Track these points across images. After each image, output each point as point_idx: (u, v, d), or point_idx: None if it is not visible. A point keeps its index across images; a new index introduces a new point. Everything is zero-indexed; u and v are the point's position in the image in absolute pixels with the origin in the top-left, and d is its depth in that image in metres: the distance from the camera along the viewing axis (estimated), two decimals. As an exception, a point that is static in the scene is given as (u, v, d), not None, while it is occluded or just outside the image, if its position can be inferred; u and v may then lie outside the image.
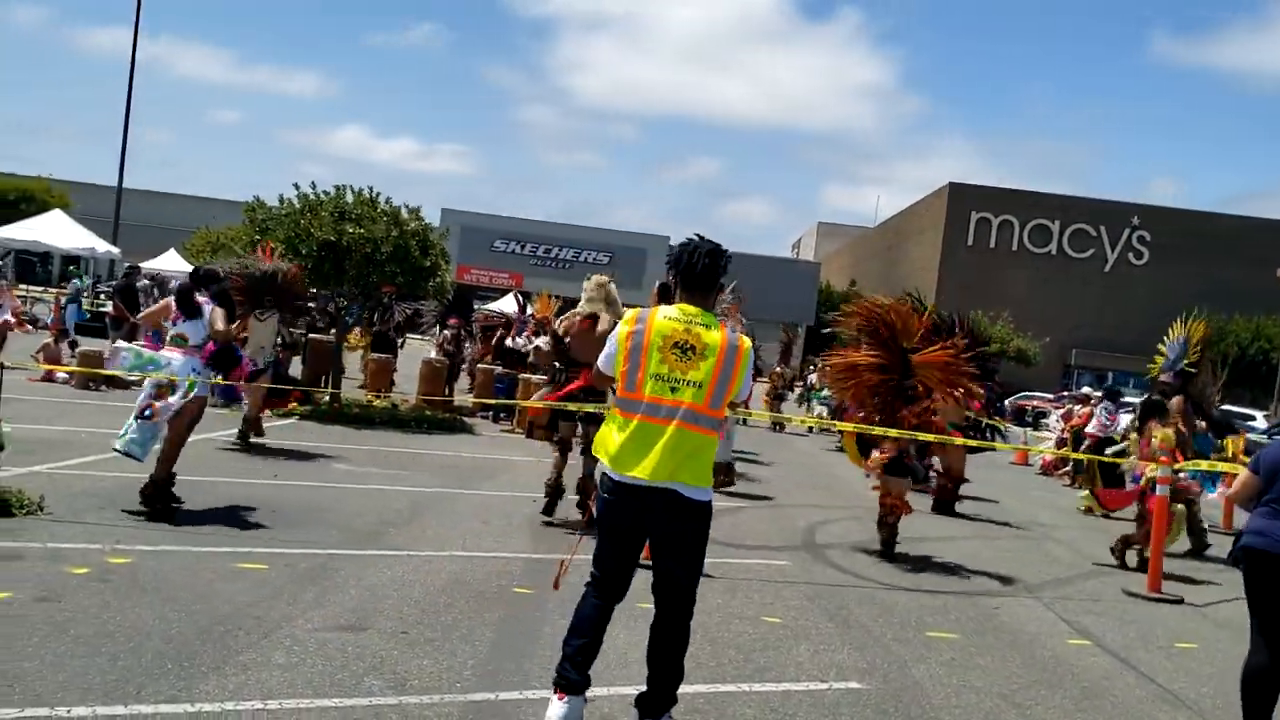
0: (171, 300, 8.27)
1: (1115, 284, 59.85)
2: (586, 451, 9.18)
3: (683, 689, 5.02)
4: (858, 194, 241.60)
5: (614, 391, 4.48)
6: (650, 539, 4.40)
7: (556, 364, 9.41)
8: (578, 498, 9.31)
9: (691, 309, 4.39)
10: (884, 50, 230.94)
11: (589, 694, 4.44)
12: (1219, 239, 59.35)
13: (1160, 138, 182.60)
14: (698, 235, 4.57)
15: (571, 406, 8.94)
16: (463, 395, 19.69)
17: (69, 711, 4.05)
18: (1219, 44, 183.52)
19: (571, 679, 4.30)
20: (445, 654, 5.26)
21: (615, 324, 9.07)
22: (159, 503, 7.70)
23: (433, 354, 19.50)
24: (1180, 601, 8.63)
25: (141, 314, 8.55)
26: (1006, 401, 36.48)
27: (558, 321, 9.59)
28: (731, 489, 12.15)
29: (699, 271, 4.42)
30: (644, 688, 4.47)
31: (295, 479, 9.87)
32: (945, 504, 12.92)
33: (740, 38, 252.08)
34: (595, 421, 9.02)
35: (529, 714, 4.56)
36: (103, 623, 5.13)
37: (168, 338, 8.18)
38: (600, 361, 4.59)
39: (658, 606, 4.42)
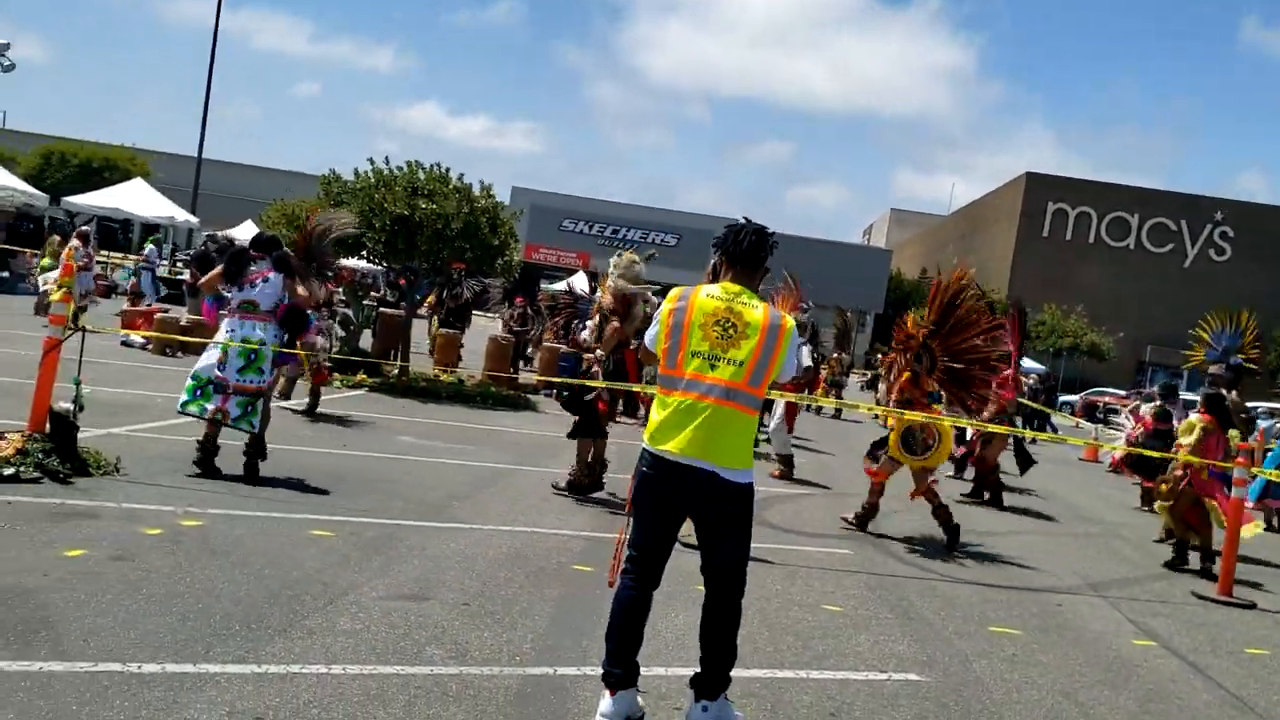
0: (218, 269, 8.29)
1: (1194, 280, 58.42)
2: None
3: (740, 673, 5.03)
4: (932, 181, 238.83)
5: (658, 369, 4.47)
6: (692, 520, 4.38)
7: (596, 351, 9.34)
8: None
9: (734, 287, 4.36)
10: (963, 35, 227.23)
11: (646, 673, 4.45)
12: (1306, 236, 57.71)
13: (1249, 131, 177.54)
14: (745, 218, 4.54)
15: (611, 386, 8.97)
16: (528, 373, 19.83)
17: (140, 668, 4.15)
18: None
19: (618, 674, 4.27)
20: (505, 627, 5.31)
21: (642, 304, 9.06)
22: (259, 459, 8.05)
23: (499, 331, 19.64)
24: (1252, 607, 8.42)
25: (202, 280, 8.64)
26: (1078, 397, 35.92)
27: (600, 300, 9.55)
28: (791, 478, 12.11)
29: (745, 249, 4.41)
30: (699, 668, 4.46)
31: (363, 450, 10.02)
32: (979, 492, 12.78)
33: (815, 20, 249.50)
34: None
35: (587, 690, 4.59)
36: (174, 583, 5.26)
37: (235, 304, 8.18)
38: (646, 339, 4.58)
39: (706, 588, 4.41)
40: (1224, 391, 10.74)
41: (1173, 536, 10.14)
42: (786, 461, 12.47)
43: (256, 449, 8.03)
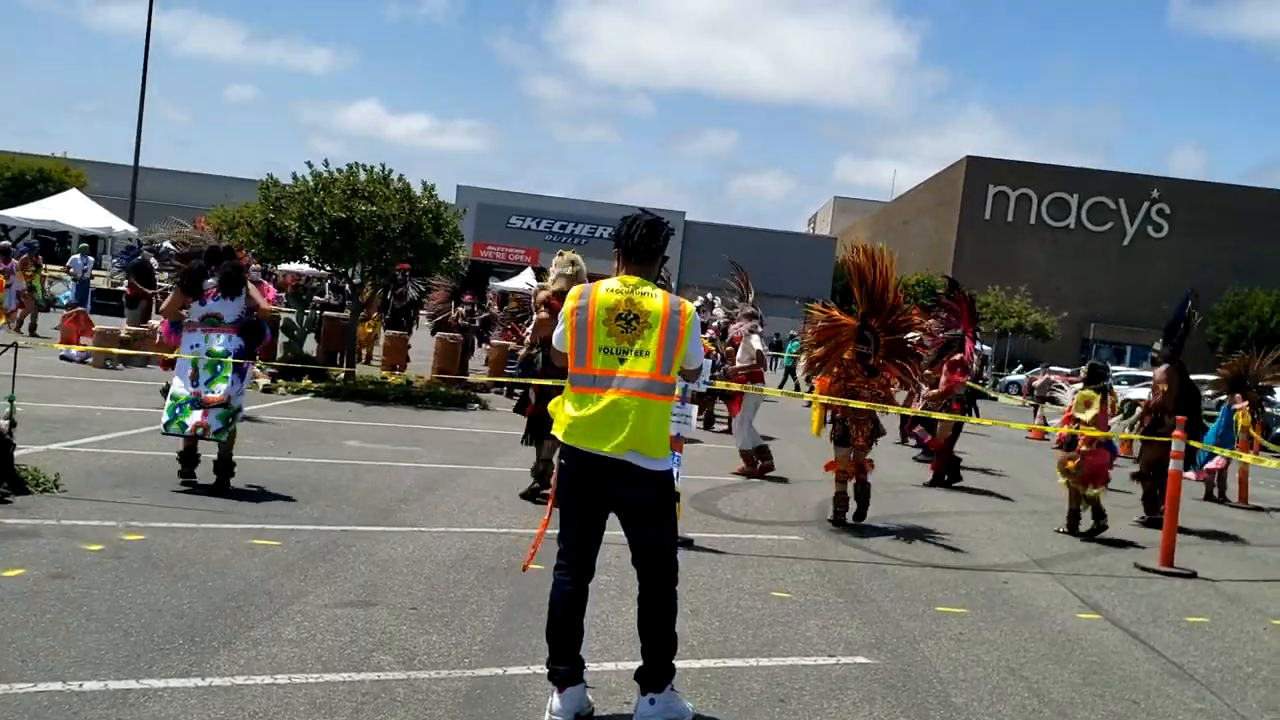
0: (177, 287, 8.25)
1: (1134, 257, 59.53)
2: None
3: (689, 663, 5.07)
4: (875, 168, 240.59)
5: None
6: (615, 511, 4.41)
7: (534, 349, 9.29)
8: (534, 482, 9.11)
9: (632, 279, 4.39)
10: (903, 22, 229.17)
11: (597, 669, 4.46)
12: (1241, 212, 58.97)
13: (1182, 109, 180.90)
14: (642, 210, 4.59)
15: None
16: (478, 372, 19.74)
17: (81, 686, 4.10)
18: (1241, 11, 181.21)
19: (563, 671, 4.29)
20: (454, 629, 5.30)
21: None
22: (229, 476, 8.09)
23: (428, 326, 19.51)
24: (1193, 576, 8.60)
25: (163, 307, 8.53)
26: (1025, 375, 36.42)
27: (535, 297, 9.53)
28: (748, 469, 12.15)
29: (636, 241, 4.44)
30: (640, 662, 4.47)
31: (309, 456, 9.93)
32: (936, 477, 12.98)
33: (755, 9, 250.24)
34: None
35: (536, 689, 4.59)
36: (116, 599, 5.19)
37: (198, 318, 8.15)
38: (554, 340, 4.61)
39: (639, 578, 4.44)
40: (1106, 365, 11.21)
41: (1077, 522, 10.25)
42: (750, 458, 12.20)
43: (225, 465, 8.06)
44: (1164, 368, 11.72)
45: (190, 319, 8.16)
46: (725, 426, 16.70)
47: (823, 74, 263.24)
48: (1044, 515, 11.26)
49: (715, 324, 16.55)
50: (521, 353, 9.33)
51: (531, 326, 9.39)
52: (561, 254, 9.20)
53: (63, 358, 15.79)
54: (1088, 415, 10.10)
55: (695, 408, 8.20)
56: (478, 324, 20.61)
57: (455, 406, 15.61)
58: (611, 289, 4.37)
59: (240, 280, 8.31)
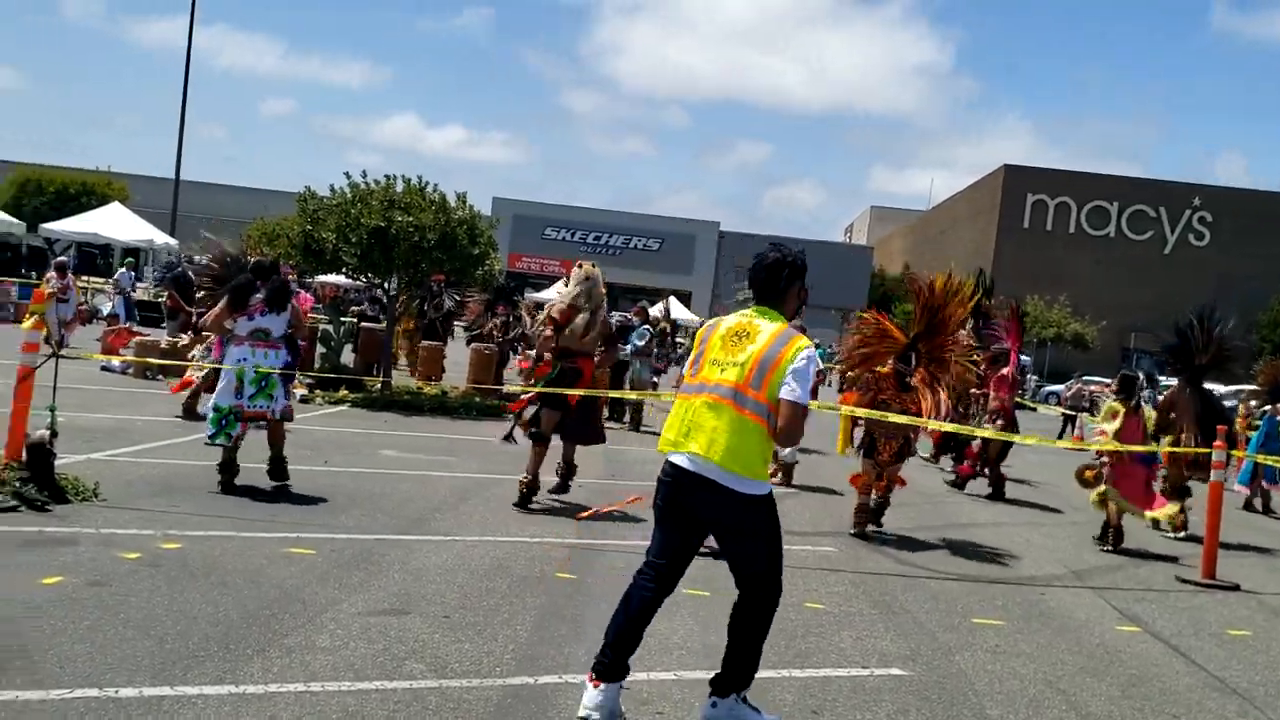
0: (224, 301, 8.36)
1: (1176, 266, 58.77)
2: (566, 437, 9.24)
3: (721, 674, 5.04)
4: (911, 177, 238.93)
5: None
6: (709, 528, 4.50)
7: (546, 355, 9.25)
8: (557, 480, 9.25)
9: (757, 310, 4.55)
10: (939, 30, 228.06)
11: (629, 679, 4.45)
12: (1284, 219, 58.07)
13: (1224, 116, 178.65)
14: (773, 247, 4.66)
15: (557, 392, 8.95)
16: (512, 381, 19.80)
17: (117, 692, 4.14)
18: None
19: (606, 664, 4.33)
20: (486, 638, 5.30)
21: (593, 316, 9.10)
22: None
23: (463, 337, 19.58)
24: (1235, 589, 8.47)
25: (207, 320, 8.61)
26: (1062, 386, 36.04)
27: (548, 310, 9.50)
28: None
29: (759, 283, 4.59)
30: (688, 673, 4.50)
31: (344, 465, 9.99)
32: (962, 480, 12.89)
33: (790, 19, 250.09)
34: (564, 408, 9.01)
35: (567, 698, 4.59)
36: (152, 606, 5.24)
37: (245, 332, 8.28)
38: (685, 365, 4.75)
39: (737, 589, 4.53)
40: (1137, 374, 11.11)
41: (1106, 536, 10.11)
42: (786, 470, 12.15)
43: (279, 470, 8.35)
44: (1171, 390, 11.73)
45: (237, 333, 8.29)
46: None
47: (857, 83, 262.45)
48: (1082, 526, 11.12)
49: None
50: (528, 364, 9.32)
51: (539, 340, 9.35)
52: (580, 265, 9.22)
53: (104, 368, 15.99)
54: (1111, 427, 9.95)
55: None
56: (511, 336, 20.69)
57: (490, 417, 15.65)
58: (741, 314, 4.57)
59: (286, 295, 8.50)
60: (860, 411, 9.36)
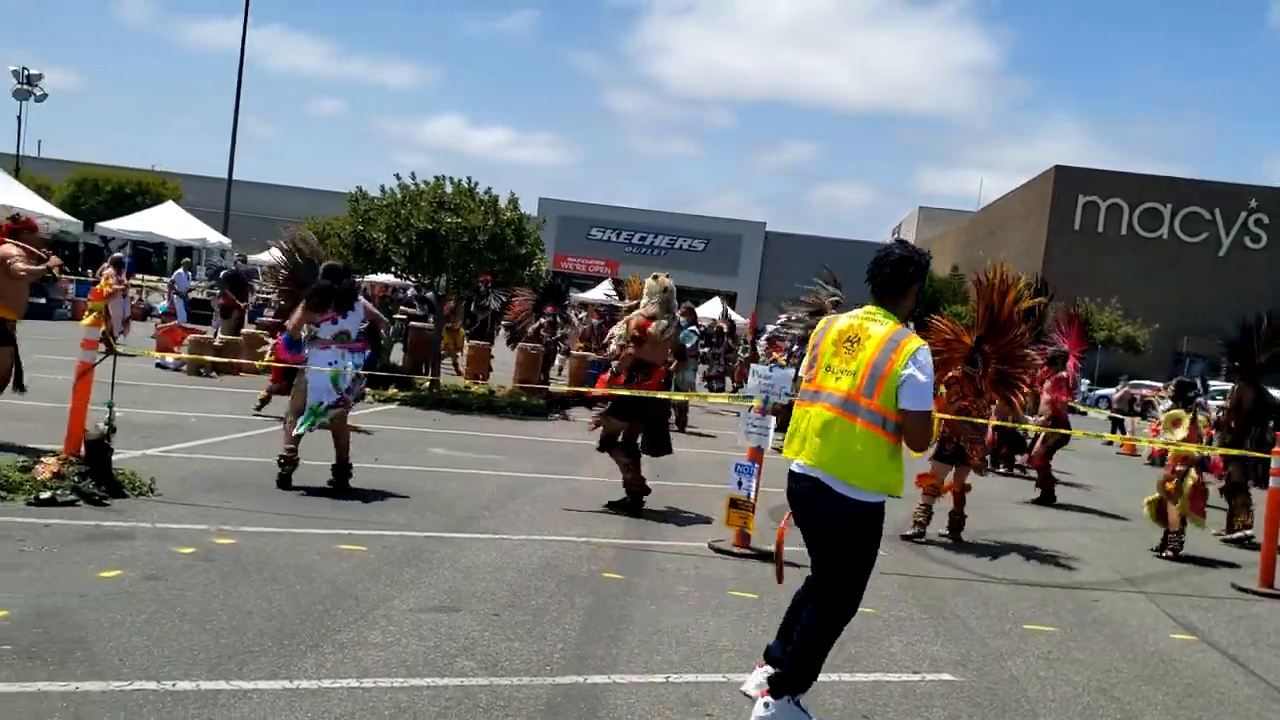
0: (305, 304, 8.52)
1: (1230, 268, 57.71)
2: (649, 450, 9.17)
3: (771, 677, 5.03)
4: (960, 177, 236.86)
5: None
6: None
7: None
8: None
9: (874, 309, 4.50)
10: (990, 29, 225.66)
11: (675, 679, 4.46)
12: (1344, 222, 56.89)
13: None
14: (897, 240, 4.68)
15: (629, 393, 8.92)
16: (558, 382, 19.88)
17: (174, 685, 4.20)
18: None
19: (770, 646, 4.66)
20: (536, 637, 5.32)
21: (670, 325, 9.05)
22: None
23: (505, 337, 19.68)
24: (1294, 598, 8.30)
25: (291, 322, 8.76)
26: (1113, 390, 35.56)
27: (624, 324, 9.42)
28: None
29: (881, 279, 4.53)
30: (736, 675, 4.51)
31: (394, 463, 10.07)
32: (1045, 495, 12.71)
33: (838, 19, 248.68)
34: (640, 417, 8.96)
35: (617, 698, 4.60)
36: (207, 601, 5.31)
37: (329, 335, 8.45)
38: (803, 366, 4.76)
39: (811, 588, 4.57)
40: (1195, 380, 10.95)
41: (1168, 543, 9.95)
42: None
43: (344, 470, 8.51)
44: (1233, 387, 11.54)
45: (321, 336, 8.46)
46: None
47: (905, 83, 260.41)
48: (1135, 532, 10.98)
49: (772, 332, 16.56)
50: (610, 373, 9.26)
51: (615, 347, 9.26)
52: (656, 277, 9.21)
53: (159, 365, 16.25)
54: (1178, 435, 9.78)
55: (774, 419, 8.15)
56: (558, 336, 20.77)
57: (536, 416, 15.73)
58: (852, 315, 4.53)
59: (354, 296, 8.68)
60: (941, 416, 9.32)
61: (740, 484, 7.69)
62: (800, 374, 4.70)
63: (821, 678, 5.18)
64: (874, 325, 4.37)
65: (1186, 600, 7.96)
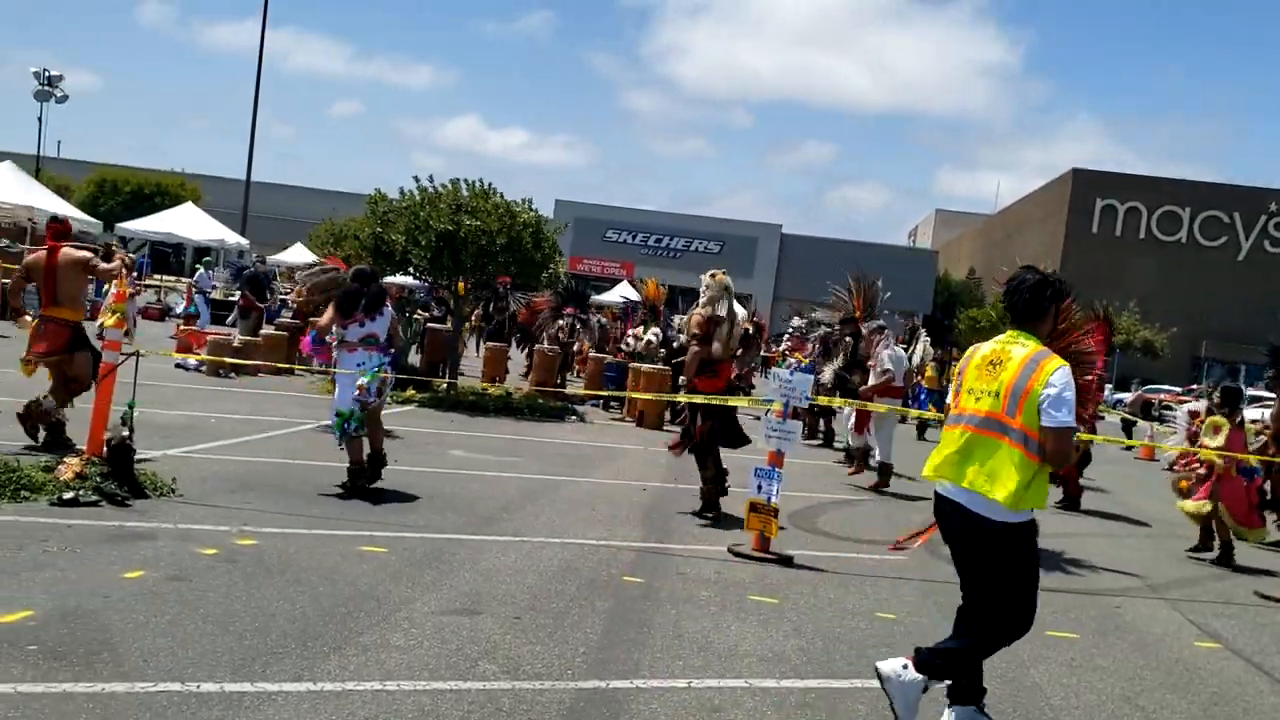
0: (334, 307, 8.57)
1: (1249, 272, 57.43)
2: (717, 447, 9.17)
3: (794, 683, 5.05)
4: (977, 180, 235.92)
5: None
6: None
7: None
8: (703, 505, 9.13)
9: (1015, 333, 4.58)
10: (1008, 30, 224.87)
11: (697, 684, 4.44)
12: (1364, 225, 56.49)
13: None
14: (1028, 269, 4.72)
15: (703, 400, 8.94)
16: (575, 384, 19.89)
17: (198, 687, 4.21)
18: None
19: (953, 687, 4.66)
20: (557, 640, 5.32)
21: (733, 324, 9.04)
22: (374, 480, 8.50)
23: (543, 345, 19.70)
24: (1319, 606, 8.23)
25: (319, 324, 8.81)
26: (1128, 395, 35.39)
27: (688, 321, 9.42)
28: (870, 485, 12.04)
29: (1019, 306, 4.61)
30: (759, 680, 4.49)
31: (413, 465, 10.09)
32: (1072, 501, 12.62)
33: (855, 20, 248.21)
34: (721, 421, 8.99)
35: (639, 703, 4.58)
36: (230, 602, 5.32)
37: (356, 339, 8.52)
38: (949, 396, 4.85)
39: (978, 612, 4.63)
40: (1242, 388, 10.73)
41: (1206, 546, 9.92)
42: (883, 470, 12.22)
43: (378, 460, 8.57)
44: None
45: (349, 339, 8.52)
46: (819, 440, 16.60)
47: (923, 84, 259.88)
48: (1157, 538, 10.92)
49: (793, 332, 16.55)
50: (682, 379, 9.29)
51: (687, 356, 9.24)
52: (714, 275, 9.16)
53: (178, 366, 16.32)
54: (1216, 441, 9.67)
55: (799, 424, 8.13)
56: (573, 338, 20.79)
57: (553, 418, 15.74)
58: (995, 340, 4.63)
59: (383, 300, 8.75)
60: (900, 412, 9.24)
61: (760, 488, 7.67)
62: (947, 401, 4.81)
63: (844, 684, 5.19)
64: (1016, 348, 4.47)
65: (1209, 607, 7.90)
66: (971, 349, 4.72)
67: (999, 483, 4.28)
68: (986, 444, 4.36)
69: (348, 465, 8.40)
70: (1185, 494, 9.80)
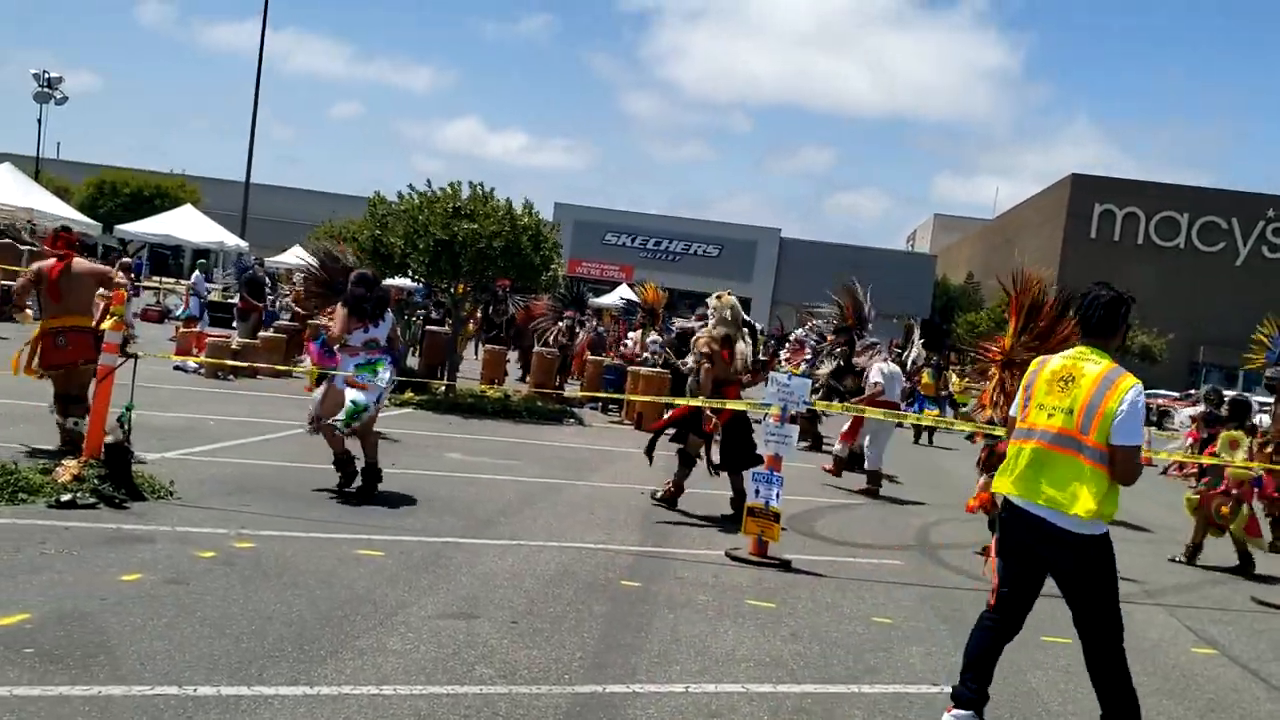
0: (346, 310, 8.55)
1: (1248, 278, 57.41)
2: (732, 469, 9.33)
3: (790, 688, 5.05)
4: (976, 185, 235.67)
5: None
6: (1048, 570, 4.67)
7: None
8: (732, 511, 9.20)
9: (1084, 349, 4.67)
10: (1008, 35, 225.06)
11: (694, 689, 4.45)
12: (1363, 231, 56.54)
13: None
14: (1100, 284, 4.81)
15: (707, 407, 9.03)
16: (573, 387, 19.88)
17: (195, 690, 4.21)
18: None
19: (962, 695, 4.65)
20: (554, 645, 5.32)
21: (742, 343, 9.19)
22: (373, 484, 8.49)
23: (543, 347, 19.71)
24: (1315, 612, 8.24)
25: (335, 329, 8.76)
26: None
27: (699, 343, 9.49)
28: (863, 489, 12.05)
29: (1094, 322, 4.70)
30: (756, 685, 4.48)
31: (412, 468, 10.08)
32: None
33: (855, 22, 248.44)
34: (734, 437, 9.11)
35: (635, 708, 4.59)
36: (227, 605, 5.32)
37: (360, 342, 8.53)
38: (1012, 407, 4.93)
39: (1077, 629, 4.74)
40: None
41: (1197, 554, 9.91)
42: (873, 478, 12.20)
43: (373, 473, 8.50)
44: None
45: (351, 344, 8.53)
46: (807, 444, 16.58)
47: (921, 88, 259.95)
48: (1154, 544, 10.93)
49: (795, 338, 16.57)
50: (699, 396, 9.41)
51: (700, 375, 9.34)
52: (720, 296, 9.34)
53: (177, 368, 16.32)
54: (1239, 458, 9.57)
55: (796, 428, 8.13)
56: (571, 342, 20.79)
57: (552, 421, 15.74)
58: (1065, 355, 4.71)
59: (386, 304, 8.80)
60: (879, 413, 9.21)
61: (758, 492, 7.68)
62: (1013, 413, 4.87)
63: (841, 689, 5.19)
64: (1088, 364, 4.55)
65: (1206, 613, 7.91)
66: (1038, 362, 4.79)
67: (1076, 498, 4.41)
68: (1061, 460, 4.46)
69: (333, 459, 8.44)
70: (1227, 518, 9.61)
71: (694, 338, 9.86)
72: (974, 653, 4.71)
